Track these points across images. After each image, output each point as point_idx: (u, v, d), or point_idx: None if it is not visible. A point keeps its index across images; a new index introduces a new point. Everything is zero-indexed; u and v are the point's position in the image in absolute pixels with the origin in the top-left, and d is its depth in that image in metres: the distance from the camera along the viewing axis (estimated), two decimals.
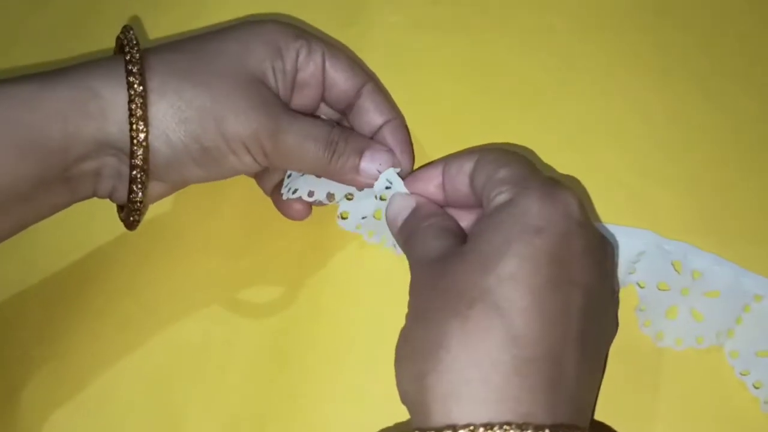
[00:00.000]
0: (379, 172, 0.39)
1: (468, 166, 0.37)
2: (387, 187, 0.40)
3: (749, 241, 0.42)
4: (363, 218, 0.41)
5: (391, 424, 0.38)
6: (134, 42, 0.38)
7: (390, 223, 0.39)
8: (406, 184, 0.39)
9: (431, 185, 0.39)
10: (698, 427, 0.39)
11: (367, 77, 0.42)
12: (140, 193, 0.38)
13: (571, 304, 0.32)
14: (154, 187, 0.40)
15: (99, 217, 0.43)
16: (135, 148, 0.37)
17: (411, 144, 0.42)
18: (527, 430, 0.29)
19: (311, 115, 0.42)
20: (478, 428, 0.29)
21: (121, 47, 0.39)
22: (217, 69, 0.38)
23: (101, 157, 0.37)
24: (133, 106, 0.36)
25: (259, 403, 0.41)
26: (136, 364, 0.42)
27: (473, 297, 0.31)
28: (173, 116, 0.37)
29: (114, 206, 0.41)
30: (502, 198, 0.34)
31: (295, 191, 0.41)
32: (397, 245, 0.39)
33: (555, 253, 0.32)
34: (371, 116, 0.42)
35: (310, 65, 0.41)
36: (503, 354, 0.30)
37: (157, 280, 0.44)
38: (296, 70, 0.40)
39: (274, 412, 0.40)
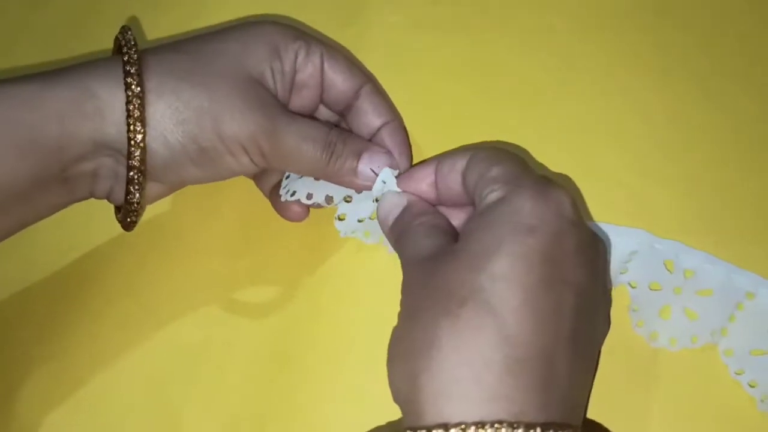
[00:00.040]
0: (377, 175, 0.39)
1: (460, 164, 0.37)
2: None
3: (748, 241, 0.42)
4: (359, 221, 0.41)
5: (387, 422, 0.38)
6: (132, 43, 0.38)
7: (381, 222, 0.39)
8: (398, 183, 0.39)
9: (424, 183, 0.39)
10: (694, 427, 0.39)
11: (366, 78, 0.42)
12: (137, 194, 0.38)
13: (563, 303, 0.32)
14: (151, 187, 0.40)
15: (98, 217, 0.43)
16: (132, 149, 0.37)
17: (409, 146, 0.42)
18: (519, 428, 0.29)
19: (310, 116, 0.43)
20: (470, 427, 0.29)
21: (119, 48, 0.39)
22: (215, 70, 0.38)
23: (99, 158, 0.38)
24: (131, 107, 0.36)
25: (258, 403, 0.41)
26: (135, 364, 0.42)
27: (465, 296, 0.31)
28: (171, 117, 0.37)
29: (112, 206, 0.41)
30: (494, 196, 0.34)
31: (293, 193, 0.41)
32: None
33: (547, 252, 0.32)
34: (369, 118, 0.42)
35: (308, 66, 0.41)
36: (495, 353, 0.30)
37: (156, 281, 0.44)
38: (295, 71, 0.41)
39: (274, 412, 0.40)
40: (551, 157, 0.45)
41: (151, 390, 0.41)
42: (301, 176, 0.41)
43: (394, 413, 0.34)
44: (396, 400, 0.33)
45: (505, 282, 0.31)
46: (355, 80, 0.42)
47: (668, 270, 0.39)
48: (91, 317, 0.43)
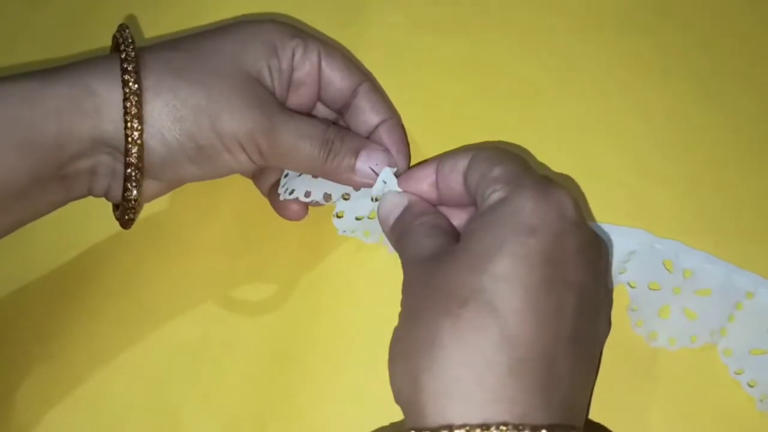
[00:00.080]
0: (375, 172, 0.39)
1: (462, 164, 0.37)
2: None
3: (748, 241, 0.42)
4: (357, 219, 0.41)
5: (389, 423, 0.38)
6: (130, 40, 0.38)
7: (382, 222, 0.39)
8: (399, 183, 0.39)
9: (424, 183, 0.39)
10: (693, 427, 0.38)
11: (364, 76, 0.42)
12: (135, 192, 0.38)
13: (564, 304, 0.32)
14: (149, 185, 0.40)
15: (96, 215, 0.43)
16: (130, 146, 0.37)
17: (407, 143, 0.42)
18: (524, 430, 0.29)
19: (307, 114, 0.42)
20: (475, 429, 0.29)
21: (116, 46, 0.39)
22: (212, 67, 0.38)
23: (96, 155, 0.38)
24: (128, 105, 0.36)
25: (257, 401, 0.41)
26: (134, 362, 0.42)
27: (466, 296, 0.31)
28: (168, 115, 0.37)
29: (110, 205, 0.41)
30: (496, 196, 0.34)
31: (292, 192, 0.41)
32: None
33: (549, 252, 0.32)
34: (367, 116, 0.42)
35: (306, 64, 0.41)
36: (498, 354, 0.30)
37: (154, 279, 0.44)
38: (292, 69, 0.41)
39: (273, 411, 0.40)
40: (551, 157, 0.45)
41: (150, 388, 0.41)
42: (300, 174, 0.41)
43: (392, 412, 0.34)
44: (397, 400, 0.33)
45: (506, 282, 0.31)
46: (352, 78, 0.42)
47: (667, 270, 0.39)
48: (89, 315, 0.43)
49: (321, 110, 0.44)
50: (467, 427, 0.29)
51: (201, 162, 0.39)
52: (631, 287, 0.40)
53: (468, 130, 0.46)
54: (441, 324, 0.31)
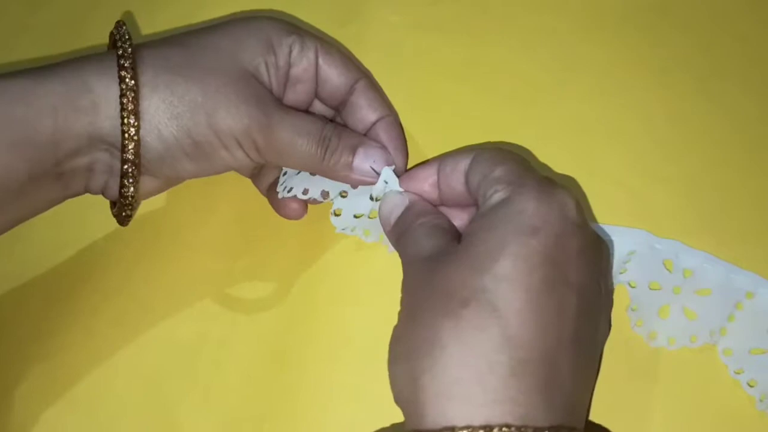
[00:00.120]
0: (373, 170, 0.39)
1: (463, 164, 0.37)
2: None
3: (748, 241, 0.42)
4: (356, 216, 0.41)
5: (388, 422, 0.38)
6: (126, 37, 0.38)
7: (383, 221, 0.39)
8: (400, 183, 0.39)
9: (426, 184, 0.39)
10: (693, 426, 0.38)
11: (361, 74, 0.42)
12: (131, 188, 0.38)
13: (566, 304, 0.32)
14: (147, 182, 0.40)
15: (93, 214, 0.43)
16: (126, 142, 0.37)
17: (405, 141, 0.42)
18: None
19: (305, 111, 0.42)
20: (477, 430, 0.29)
21: (113, 42, 0.39)
22: (209, 64, 0.38)
23: (93, 152, 0.37)
24: (125, 101, 0.36)
25: (255, 400, 0.40)
26: (132, 361, 0.42)
27: (467, 296, 0.31)
28: (165, 111, 0.37)
29: (108, 203, 0.41)
30: (497, 197, 0.34)
31: (290, 190, 0.41)
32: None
33: (550, 253, 0.32)
34: (364, 113, 0.42)
35: (303, 61, 0.41)
36: (499, 354, 0.30)
37: (152, 278, 0.43)
38: (289, 66, 0.40)
39: (271, 410, 0.40)
40: (551, 157, 0.44)
41: (148, 386, 0.41)
42: (298, 172, 0.41)
43: (391, 411, 0.34)
44: (397, 400, 0.33)
45: (508, 283, 0.31)
46: (349, 75, 0.42)
47: (668, 270, 0.39)
48: (87, 314, 0.43)
49: (318, 107, 0.43)
50: (470, 428, 0.29)
51: (198, 158, 0.38)
52: (632, 287, 0.40)
53: (468, 130, 0.45)
54: (442, 324, 0.31)
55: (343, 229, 0.42)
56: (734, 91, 0.46)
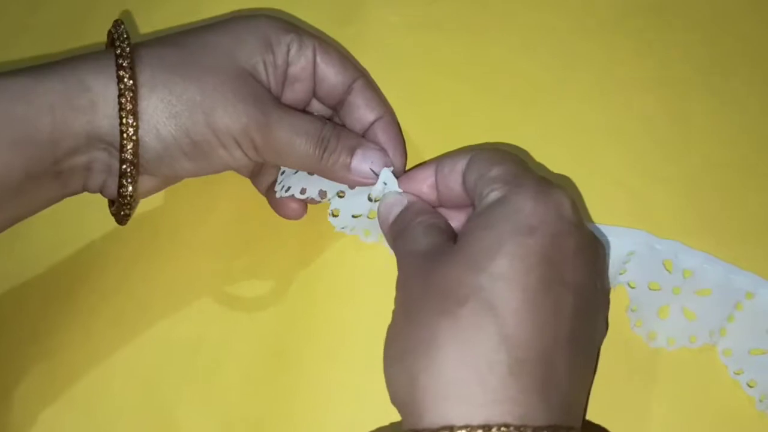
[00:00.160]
0: (372, 171, 0.39)
1: (461, 164, 0.37)
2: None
3: (748, 241, 0.42)
4: (353, 216, 0.41)
5: (387, 422, 0.38)
6: (124, 36, 0.38)
7: (381, 221, 0.39)
8: (399, 184, 0.39)
9: (424, 185, 0.39)
10: (692, 427, 0.38)
11: (359, 73, 0.42)
12: (130, 187, 0.38)
13: (562, 304, 0.32)
14: (145, 181, 0.40)
15: (92, 213, 0.43)
16: (125, 142, 0.37)
17: (403, 142, 0.42)
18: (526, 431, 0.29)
19: (303, 110, 0.42)
20: (476, 430, 0.29)
21: (111, 41, 0.39)
22: (207, 63, 0.38)
23: (91, 151, 0.37)
24: (123, 100, 0.36)
25: (254, 400, 0.40)
26: (130, 360, 0.42)
27: (465, 295, 0.31)
28: (163, 110, 0.37)
29: (106, 202, 0.41)
30: (494, 196, 0.34)
31: (288, 189, 0.41)
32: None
33: (547, 253, 0.32)
34: (362, 112, 0.42)
35: (301, 59, 0.41)
36: (497, 354, 0.30)
37: (151, 277, 0.43)
38: (287, 64, 0.40)
39: (269, 410, 0.40)
40: (551, 157, 0.44)
41: (147, 386, 0.41)
42: (296, 172, 0.41)
43: (390, 410, 0.33)
44: (393, 400, 0.33)
45: (504, 282, 0.31)
46: (347, 74, 0.42)
47: (667, 270, 0.39)
48: (85, 314, 0.43)
49: (316, 107, 0.43)
50: (468, 428, 0.29)
51: (196, 157, 0.38)
52: (631, 288, 0.40)
53: (467, 129, 0.45)
54: (438, 323, 0.31)
55: (342, 228, 0.42)
56: (734, 90, 0.46)
